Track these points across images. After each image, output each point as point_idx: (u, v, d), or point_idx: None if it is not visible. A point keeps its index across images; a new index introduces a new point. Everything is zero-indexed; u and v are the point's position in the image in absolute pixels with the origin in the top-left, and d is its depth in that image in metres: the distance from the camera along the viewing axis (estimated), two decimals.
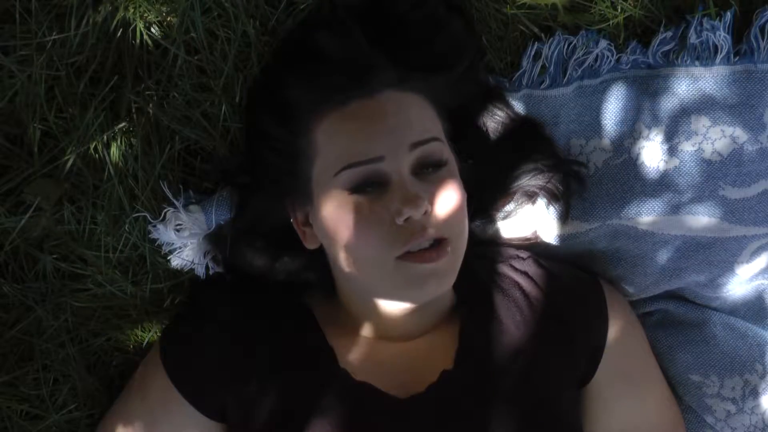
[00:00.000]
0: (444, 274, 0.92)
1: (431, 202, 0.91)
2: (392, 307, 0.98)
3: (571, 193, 1.06)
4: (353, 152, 0.91)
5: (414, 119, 0.93)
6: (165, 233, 1.05)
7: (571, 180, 1.05)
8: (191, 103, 1.05)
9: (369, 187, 0.91)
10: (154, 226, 1.05)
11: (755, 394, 1.11)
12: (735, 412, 1.11)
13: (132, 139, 1.05)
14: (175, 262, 1.08)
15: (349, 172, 0.91)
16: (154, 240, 1.07)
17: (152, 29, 1.03)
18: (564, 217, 1.07)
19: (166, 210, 1.05)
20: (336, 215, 0.92)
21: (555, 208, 1.07)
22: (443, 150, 0.94)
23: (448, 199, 0.92)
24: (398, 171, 0.90)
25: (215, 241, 1.07)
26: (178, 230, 1.05)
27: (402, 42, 0.96)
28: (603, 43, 1.06)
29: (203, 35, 1.03)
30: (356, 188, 0.91)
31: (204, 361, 1.01)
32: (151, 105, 1.04)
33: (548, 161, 1.04)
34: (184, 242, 1.06)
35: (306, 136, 0.94)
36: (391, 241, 0.90)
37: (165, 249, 1.07)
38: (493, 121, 1.04)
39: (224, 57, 1.04)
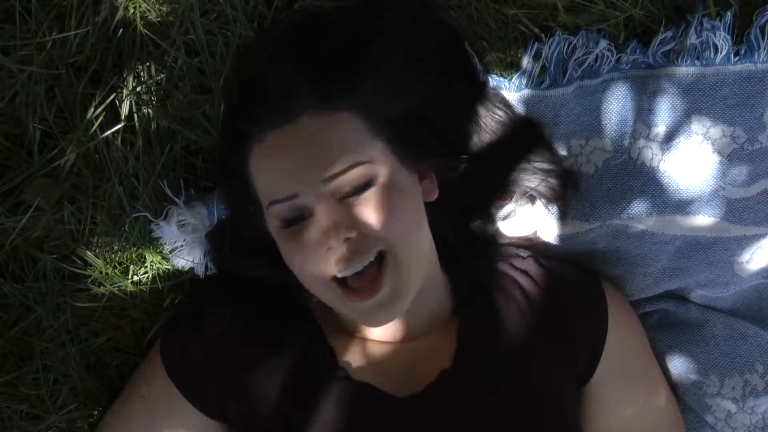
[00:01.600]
0: (391, 301, 0.92)
1: (357, 225, 0.90)
2: None
3: (563, 196, 1.06)
4: (272, 190, 0.93)
5: (328, 149, 0.91)
6: (168, 230, 1.05)
7: (563, 184, 1.05)
8: (191, 103, 1.05)
9: (295, 220, 0.92)
10: (157, 224, 1.05)
11: (755, 393, 1.11)
12: (735, 412, 1.11)
13: (132, 139, 1.05)
14: (176, 261, 1.08)
15: (273, 208, 0.93)
16: (155, 240, 1.07)
17: (152, 30, 1.03)
18: (561, 218, 1.07)
19: (168, 208, 1.05)
20: (278, 243, 0.95)
21: (553, 209, 1.07)
22: (368, 170, 0.91)
23: (376, 219, 0.90)
24: (317, 202, 0.91)
25: (213, 242, 1.07)
26: (181, 225, 1.05)
27: (314, 62, 0.93)
28: (603, 43, 1.06)
29: (202, 36, 1.03)
30: (285, 221, 0.93)
31: (204, 360, 1.01)
32: (151, 106, 1.04)
33: (542, 163, 1.04)
34: (187, 238, 1.06)
35: (246, 166, 0.95)
36: (324, 268, 0.91)
37: (167, 247, 1.07)
38: (492, 120, 1.04)
39: (223, 58, 1.04)
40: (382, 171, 0.92)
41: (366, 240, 0.90)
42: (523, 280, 1.04)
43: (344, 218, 0.89)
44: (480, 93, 1.04)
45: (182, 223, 1.05)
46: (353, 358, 0.99)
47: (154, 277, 1.10)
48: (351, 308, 0.93)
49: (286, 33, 0.97)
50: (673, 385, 1.13)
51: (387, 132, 0.93)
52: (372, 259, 0.91)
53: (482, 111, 1.03)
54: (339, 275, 0.91)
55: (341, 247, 0.89)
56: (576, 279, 1.07)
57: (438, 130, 0.98)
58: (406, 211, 0.93)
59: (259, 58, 0.97)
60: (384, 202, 0.91)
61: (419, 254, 0.95)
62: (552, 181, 1.04)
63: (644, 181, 1.06)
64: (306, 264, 0.93)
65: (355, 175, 0.90)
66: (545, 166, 1.04)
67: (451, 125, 1.00)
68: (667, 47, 1.06)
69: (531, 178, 1.04)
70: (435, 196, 0.98)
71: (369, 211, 0.90)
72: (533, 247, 1.10)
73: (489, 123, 1.04)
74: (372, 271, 0.91)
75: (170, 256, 1.08)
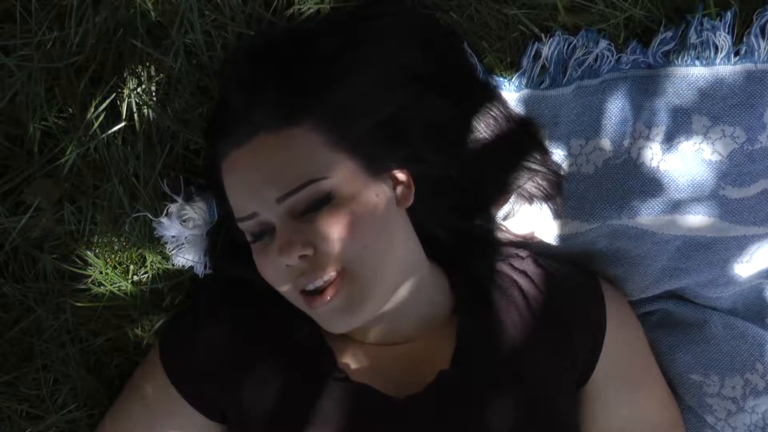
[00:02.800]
0: (348, 309, 0.92)
1: (314, 242, 0.90)
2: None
3: (551, 197, 1.06)
4: (235, 209, 0.95)
5: (283, 167, 0.91)
6: (170, 226, 1.05)
7: (551, 185, 1.05)
8: (191, 103, 1.05)
9: (261, 235, 0.94)
10: (159, 222, 1.05)
11: (756, 393, 1.11)
12: (735, 411, 1.11)
13: (132, 139, 1.05)
14: (177, 260, 1.08)
15: (241, 225, 0.95)
16: (155, 240, 1.07)
17: (152, 30, 1.03)
18: (554, 219, 1.07)
19: (168, 206, 1.06)
20: (252, 255, 0.96)
21: (547, 209, 1.07)
22: (325, 186, 0.90)
23: (335, 234, 0.90)
24: (276, 220, 0.92)
25: (212, 241, 1.07)
26: (183, 221, 1.05)
27: (271, 79, 0.93)
28: (603, 43, 1.06)
29: (201, 37, 1.02)
30: (253, 236, 0.95)
31: (203, 361, 1.01)
32: (151, 106, 1.04)
33: (532, 163, 1.04)
34: (188, 235, 1.06)
35: (221, 179, 0.97)
36: (287, 283, 0.93)
37: (170, 245, 1.07)
38: (487, 118, 1.04)
39: (220, 60, 1.04)
40: (341, 185, 0.91)
41: (323, 257, 0.90)
42: (522, 280, 1.04)
43: (300, 236, 0.90)
44: (475, 91, 1.04)
45: (184, 218, 1.05)
46: (352, 359, 0.99)
47: (154, 277, 1.10)
48: (312, 313, 0.94)
49: (253, 49, 0.97)
50: (673, 385, 1.13)
51: (350, 143, 0.93)
52: (333, 274, 0.91)
53: (477, 109, 1.02)
54: (300, 289, 0.92)
55: (298, 264, 0.90)
56: (575, 279, 1.07)
57: (424, 131, 0.97)
58: (367, 225, 0.92)
59: (222, 75, 0.99)
60: (341, 218, 0.90)
61: (384, 265, 0.93)
62: (540, 182, 1.04)
63: (644, 181, 1.06)
64: (273, 277, 0.95)
65: (311, 191, 0.90)
66: (535, 166, 1.04)
67: (440, 125, 0.99)
68: (667, 47, 1.06)
69: (521, 177, 1.04)
70: (410, 201, 0.98)
71: (325, 228, 0.90)
72: (532, 247, 1.10)
73: (483, 121, 1.03)
74: (331, 282, 0.92)
75: (171, 254, 1.08)
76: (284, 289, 0.95)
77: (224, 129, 0.94)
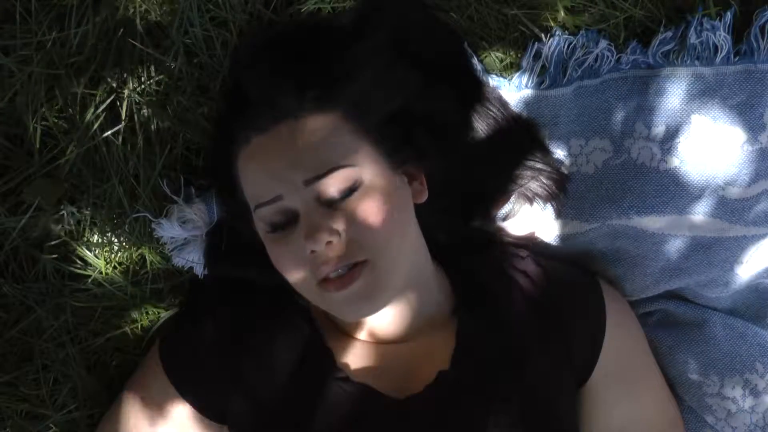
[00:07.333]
0: (366, 296, 0.91)
1: (340, 229, 0.90)
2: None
3: (555, 196, 1.06)
4: (256, 194, 0.93)
5: (312, 151, 0.91)
6: (169, 227, 1.05)
7: (554, 184, 1.05)
8: (191, 102, 1.05)
9: (281, 223, 0.93)
10: (158, 223, 1.05)
11: (756, 393, 1.11)
12: (735, 411, 1.11)
13: (132, 139, 1.05)
14: (177, 261, 1.08)
15: (259, 211, 0.93)
16: (155, 240, 1.07)
17: (152, 30, 1.03)
18: (556, 218, 1.07)
19: (168, 207, 1.06)
20: (266, 247, 0.95)
21: (549, 208, 1.07)
22: (352, 174, 0.90)
23: (360, 223, 0.90)
24: (301, 205, 0.91)
25: (211, 241, 1.07)
26: (182, 222, 1.05)
27: (297, 65, 0.93)
28: (603, 43, 1.06)
29: (201, 37, 1.03)
30: (272, 226, 0.93)
31: (203, 361, 1.01)
32: (151, 106, 1.04)
33: (535, 162, 1.04)
34: (189, 235, 1.06)
35: (234, 169, 0.96)
36: (307, 271, 0.92)
37: (169, 246, 1.07)
38: (487, 118, 1.04)
39: (220, 59, 1.04)
40: (367, 175, 0.91)
41: (349, 244, 0.90)
42: (522, 280, 1.04)
43: (327, 221, 0.89)
44: (475, 91, 1.04)
45: (183, 219, 1.05)
46: (352, 359, 0.99)
47: (154, 277, 1.10)
48: (327, 300, 0.93)
49: (269, 38, 0.97)
50: (673, 385, 1.13)
51: (374, 134, 0.93)
52: (356, 260, 0.90)
53: (477, 110, 1.02)
54: (319, 278, 0.91)
55: (324, 251, 0.90)
56: (574, 279, 1.07)
57: (429, 130, 0.97)
58: (391, 216, 0.92)
59: (243, 62, 0.97)
60: (368, 207, 0.90)
61: (401, 258, 0.94)
62: (544, 181, 1.04)
63: (644, 181, 1.06)
64: (292, 267, 0.93)
65: (339, 178, 0.90)
66: (538, 165, 1.04)
67: (443, 124, 0.99)
68: (667, 47, 1.06)
69: (523, 177, 1.04)
70: (425, 197, 0.98)
71: (352, 216, 0.90)
72: (532, 247, 1.11)
73: (484, 121, 1.04)
74: (353, 268, 0.91)
75: (171, 255, 1.08)
76: (301, 278, 0.93)
77: (244, 116, 0.93)
